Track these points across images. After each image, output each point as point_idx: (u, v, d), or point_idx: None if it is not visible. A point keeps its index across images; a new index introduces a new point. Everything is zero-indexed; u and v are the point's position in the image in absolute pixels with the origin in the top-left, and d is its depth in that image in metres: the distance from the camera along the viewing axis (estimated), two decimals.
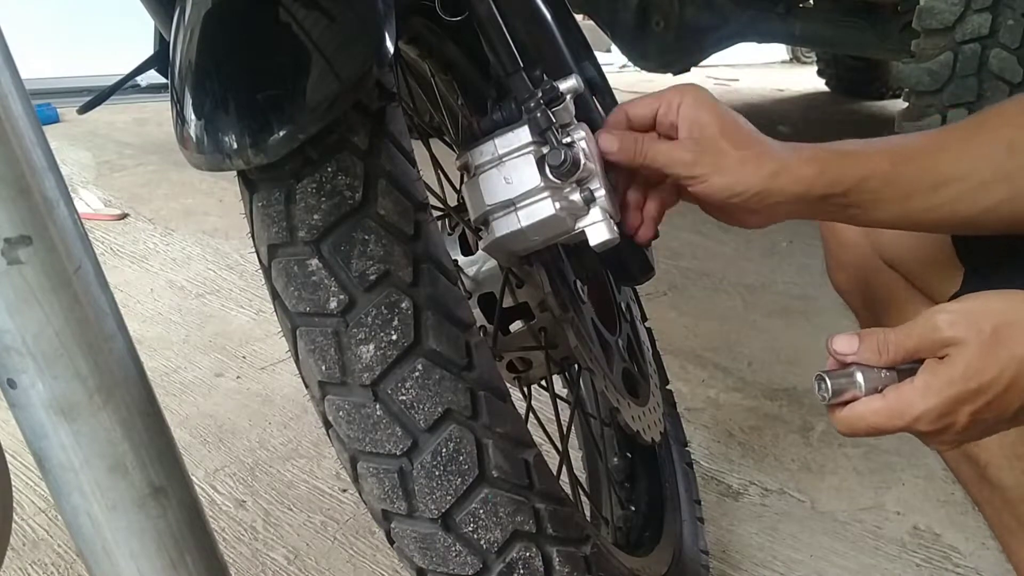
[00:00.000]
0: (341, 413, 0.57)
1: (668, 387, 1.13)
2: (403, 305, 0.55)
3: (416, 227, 0.57)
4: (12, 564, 1.08)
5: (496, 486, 0.58)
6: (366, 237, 0.55)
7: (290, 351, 0.59)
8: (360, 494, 0.61)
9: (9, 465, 0.62)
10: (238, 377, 1.59)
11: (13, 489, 0.64)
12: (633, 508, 1.01)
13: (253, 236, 0.59)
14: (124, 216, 2.44)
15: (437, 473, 0.56)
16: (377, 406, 0.56)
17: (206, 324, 1.81)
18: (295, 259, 0.56)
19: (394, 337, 0.55)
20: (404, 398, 0.56)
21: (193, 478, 0.59)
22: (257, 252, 0.59)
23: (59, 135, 3.20)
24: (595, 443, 1.05)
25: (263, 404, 1.50)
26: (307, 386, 0.59)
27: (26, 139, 0.47)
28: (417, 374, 0.56)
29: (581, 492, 0.91)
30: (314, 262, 0.55)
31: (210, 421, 1.44)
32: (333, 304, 0.55)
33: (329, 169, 0.55)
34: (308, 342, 0.57)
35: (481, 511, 0.57)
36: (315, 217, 0.55)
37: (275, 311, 0.59)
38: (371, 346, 0.55)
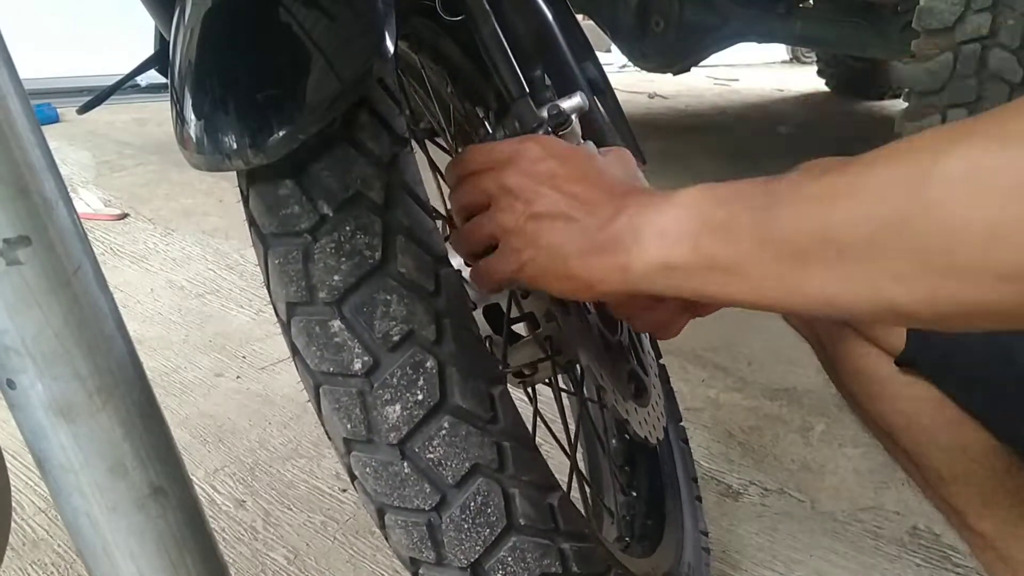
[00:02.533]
0: (368, 469, 0.57)
1: (661, 361, 1.13)
2: (428, 364, 0.55)
3: (436, 282, 0.57)
4: (12, 564, 1.08)
5: (524, 533, 0.58)
6: (388, 297, 0.55)
7: (311, 403, 0.59)
8: (387, 541, 0.61)
9: (9, 465, 0.61)
10: (238, 377, 1.59)
11: (13, 489, 0.64)
12: (635, 493, 1.01)
13: (270, 291, 0.58)
14: (124, 216, 2.44)
15: (466, 526, 0.56)
16: (405, 464, 0.56)
17: (206, 324, 1.81)
18: (316, 320, 0.55)
19: (420, 397, 0.55)
20: (432, 456, 0.55)
21: (193, 478, 0.59)
22: (275, 307, 0.58)
23: (59, 135, 3.20)
24: (596, 432, 1.05)
25: (263, 404, 1.50)
26: (331, 439, 0.59)
27: (25, 139, 0.47)
28: (444, 431, 0.55)
29: (588, 490, 0.91)
30: (336, 323, 0.55)
31: (210, 421, 1.44)
32: (357, 366, 0.55)
33: (347, 228, 0.54)
34: (332, 401, 0.56)
35: (509, 558, 0.58)
36: (335, 278, 0.54)
37: (295, 366, 0.58)
38: (397, 406, 0.55)
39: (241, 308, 1.89)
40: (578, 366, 0.86)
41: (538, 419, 0.90)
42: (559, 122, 0.66)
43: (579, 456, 1.13)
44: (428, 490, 0.56)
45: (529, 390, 0.88)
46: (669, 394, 1.14)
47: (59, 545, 1.12)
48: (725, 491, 1.29)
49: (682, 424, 1.14)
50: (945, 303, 0.41)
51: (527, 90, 0.68)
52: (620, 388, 0.79)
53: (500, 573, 0.58)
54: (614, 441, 1.06)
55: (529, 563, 0.58)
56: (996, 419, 0.70)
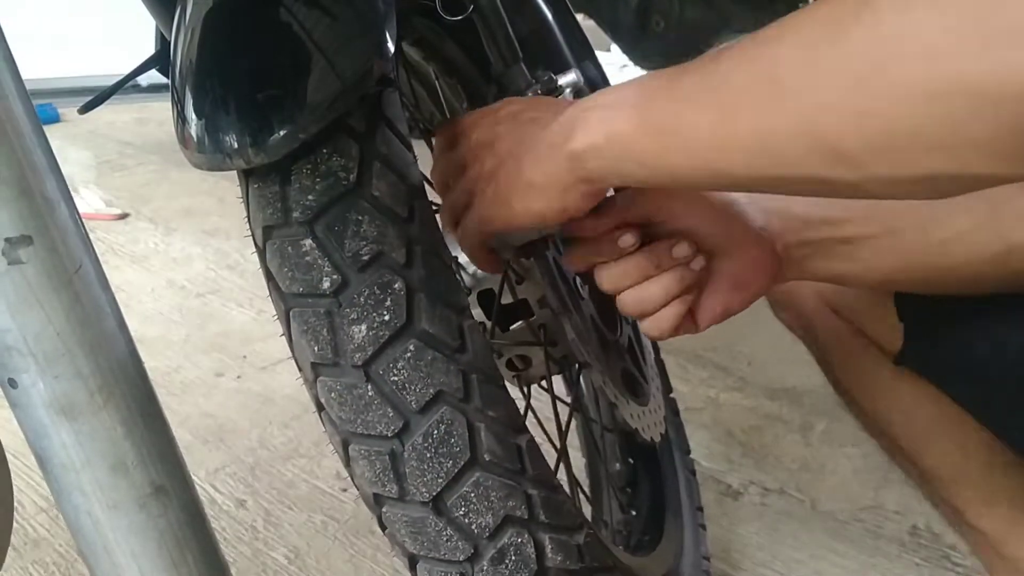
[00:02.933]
0: (333, 394, 0.57)
1: (672, 395, 1.13)
2: (396, 286, 0.55)
3: (410, 210, 0.57)
4: (14, 564, 1.09)
5: (488, 470, 0.57)
6: (360, 218, 0.55)
7: (284, 334, 0.59)
8: (352, 479, 0.60)
9: (10, 464, 0.62)
10: (239, 377, 1.60)
11: (14, 488, 0.64)
12: (634, 513, 1.01)
13: (249, 219, 0.59)
14: (125, 216, 2.44)
15: (428, 455, 0.56)
16: (369, 387, 0.56)
17: (207, 324, 1.81)
18: (289, 240, 0.56)
19: (386, 317, 0.55)
20: (396, 379, 0.55)
21: (194, 477, 0.59)
22: (253, 235, 0.59)
23: (60, 135, 3.20)
24: (596, 449, 1.05)
25: (264, 404, 1.50)
26: (300, 368, 0.59)
27: (27, 139, 0.47)
28: (409, 355, 0.55)
29: (580, 491, 0.91)
30: (308, 242, 0.55)
31: (211, 421, 1.45)
32: (326, 284, 0.55)
33: (324, 151, 0.55)
34: (301, 323, 0.57)
35: (472, 495, 0.57)
36: (309, 198, 0.55)
37: (269, 294, 0.59)
38: (363, 326, 0.55)
39: (242, 308, 1.89)
40: (576, 365, 0.86)
41: (533, 417, 0.90)
42: (550, 88, 0.66)
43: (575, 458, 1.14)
44: (391, 415, 0.56)
45: (524, 388, 0.88)
46: (678, 426, 1.13)
47: (60, 544, 1.13)
48: (725, 491, 1.29)
49: (690, 456, 1.13)
50: (874, 129, 0.40)
51: (521, 55, 0.68)
52: (612, 375, 0.79)
53: (463, 510, 0.57)
54: (617, 465, 1.06)
55: (493, 502, 0.57)
56: (995, 417, 0.70)
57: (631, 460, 1.05)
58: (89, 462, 0.52)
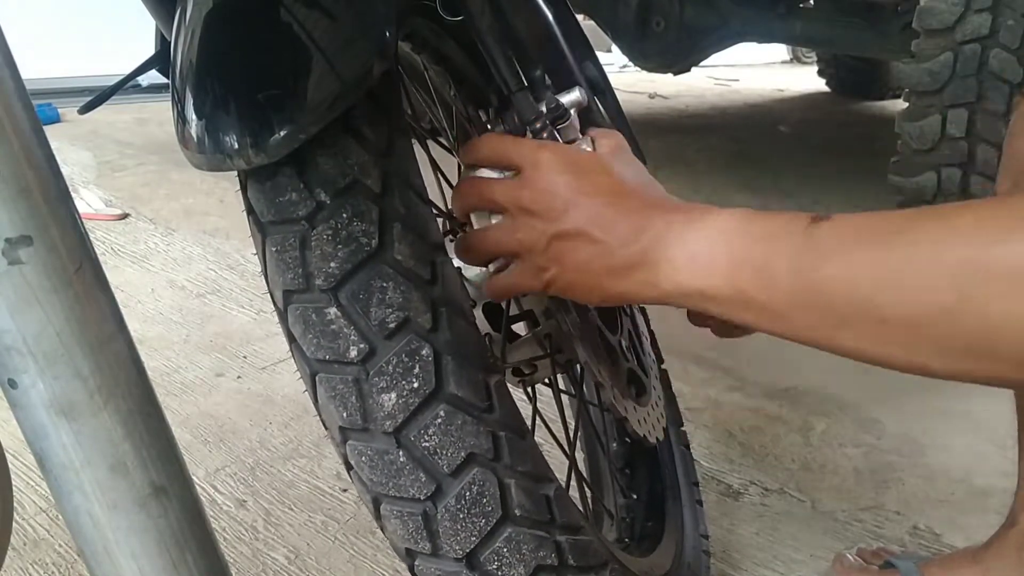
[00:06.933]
0: (363, 458, 0.57)
1: (663, 366, 1.13)
2: (423, 352, 0.55)
3: (433, 270, 0.57)
4: (13, 564, 1.08)
5: (519, 524, 0.58)
6: (384, 284, 0.55)
7: (308, 392, 0.59)
8: (383, 532, 0.61)
9: (10, 465, 0.62)
10: (239, 377, 1.60)
11: (14, 489, 0.64)
12: (635, 496, 1.01)
13: (267, 278, 0.58)
14: (125, 216, 2.44)
15: (461, 516, 0.57)
16: (400, 452, 0.56)
17: (207, 324, 1.81)
18: (313, 307, 0.55)
19: (416, 385, 0.55)
20: (427, 444, 0.56)
21: (194, 478, 0.59)
22: (272, 295, 0.58)
23: (60, 135, 3.20)
24: (596, 434, 1.05)
25: (264, 404, 1.50)
26: (327, 428, 0.59)
27: (27, 139, 0.47)
28: (440, 420, 0.56)
29: (587, 490, 0.91)
30: (332, 311, 0.55)
31: (211, 421, 1.45)
32: (353, 353, 0.55)
33: (344, 215, 0.55)
34: (328, 389, 0.56)
35: (505, 549, 0.58)
36: (332, 265, 0.55)
37: (292, 354, 0.58)
38: (393, 394, 0.55)
39: (242, 308, 1.89)
40: (578, 366, 0.86)
41: (538, 419, 0.90)
42: (557, 115, 0.66)
43: (579, 457, 1.14)
44: (423, 479, 0.56)
45: (529, 390, 0.88)
46: (671, 399, 1.14)
47: (60, 545, 1.12)
48: (725, 491, 1.29)
49: (683, 429, 1.14)
50: (979, 376, 0.45)
51: (525, 83, 0.68)
52: (619, 386, 0.79)
53: (496, 564, 0.58)
54: (614, 444, 1.06)
55: (525, 555, 0.58)
56: None
57: (628, 439, 1.06)
58: (89, 462, 0.52)
